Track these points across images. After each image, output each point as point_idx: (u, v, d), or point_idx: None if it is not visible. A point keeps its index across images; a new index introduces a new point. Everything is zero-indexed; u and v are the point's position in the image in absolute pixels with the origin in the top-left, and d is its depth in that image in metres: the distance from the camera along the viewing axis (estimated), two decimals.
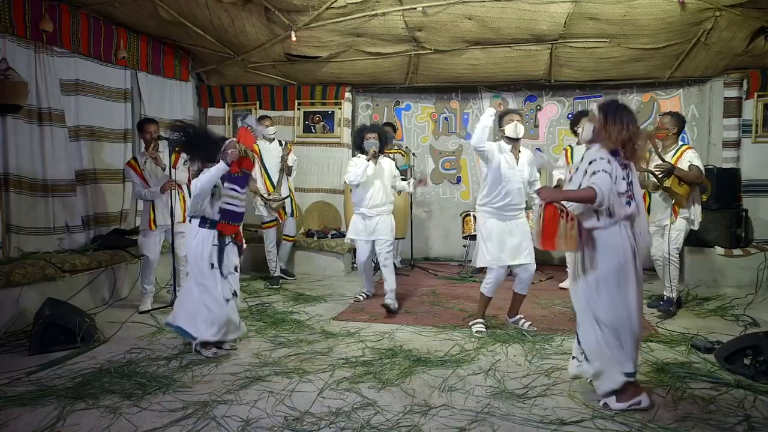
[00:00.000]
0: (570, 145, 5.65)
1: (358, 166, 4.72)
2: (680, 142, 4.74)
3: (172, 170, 4.66)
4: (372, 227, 4.80)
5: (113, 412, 2.78)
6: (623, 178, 2.78)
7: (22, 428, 2.62)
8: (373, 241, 4.84)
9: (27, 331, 3.92)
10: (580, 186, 2.80)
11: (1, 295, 4.00)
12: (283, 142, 6.08)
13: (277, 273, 5.99)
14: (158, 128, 4.81)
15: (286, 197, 5.96)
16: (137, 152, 4.92)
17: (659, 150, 4.53)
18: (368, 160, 4.72)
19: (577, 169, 2.88)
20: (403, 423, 2.66)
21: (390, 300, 4.68)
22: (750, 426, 2.59)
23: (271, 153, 5.96)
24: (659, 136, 4.62)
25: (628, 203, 2.79)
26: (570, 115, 6.83)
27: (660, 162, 4.46)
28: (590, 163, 2.78)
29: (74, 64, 5.12)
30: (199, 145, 3.55)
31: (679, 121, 4.73)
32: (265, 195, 5.83)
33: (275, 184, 5.94)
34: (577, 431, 2.58)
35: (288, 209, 6.01)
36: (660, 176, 4.46)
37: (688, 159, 4.51)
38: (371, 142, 4.78)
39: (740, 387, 2.99)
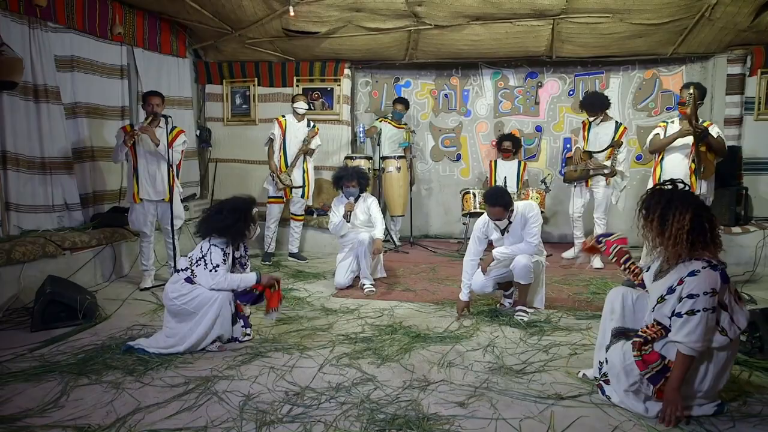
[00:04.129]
0: (588, 119, 5.64)
1: (336, 222, 4.82)
2: (700, 119, 4.72)
3: (169, 150, 4.62)
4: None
5: (116, 388, 2.81)
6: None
7: (26, 403, 2.65)
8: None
9: (29, 308, 3.94)
10: (673, 310, 2.38)
11: (2, 273, 4.01)
12: (312, 124, 6.01)
13: (272, 249, 6.03)
14: (162, 101, 4.75)
15: (298, 186, 5.91)
16: (139, 122, 4.88)
17: (695, 115, 4.51)
18: (346, 218, 4.79)
19: (671, 290, 2.40)
20: (402, 398, 2.69)
21: (368, 287, 4.71)
22: (745, 401, 2.62)
23: (295, 131, 5.90)
24: (683, 112, 4.62)
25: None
26: (571, 92, 6.79)
27: (696, 122, 4.48)
28: (691, 297, 2.33)
29: (69, 40, 5.05)
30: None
31: (703, 92, 4.78)
32: (277, 173, 5.84)
33: (289, 163, 5.88)
34: (574, 406, 2.61)
35: (300, 191, 5.97)
36: (698, 138, 4.46)
37: (717, 131, 4.61)
38: (350, 191, 4.82)
39: (736, 363, 3.01)
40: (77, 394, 2.75)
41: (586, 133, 5.66)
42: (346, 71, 6.90)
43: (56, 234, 4.63)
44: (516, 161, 6.45)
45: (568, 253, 5.97)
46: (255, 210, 3.56)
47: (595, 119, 5.55)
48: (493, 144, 7.03)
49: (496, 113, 7.11)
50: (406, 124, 6.86)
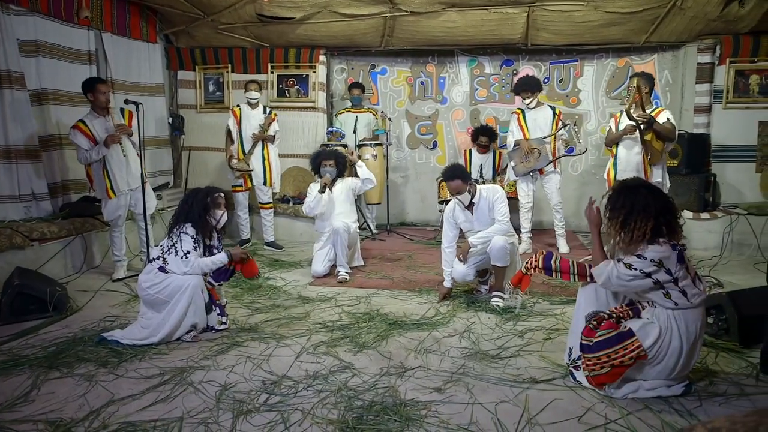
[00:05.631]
0: (520, 109, 5.70)
1: (312, 197, 4.76)
2: (654, 105, 4.80)
3: (138, 135, 4.52)
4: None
5: (89, 380, 2.77)
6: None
7: None
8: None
9: None
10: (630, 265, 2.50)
11: None
12: (268, 110, 5.99)
13: (246, 236, 6.13)
14: (109, 88, 4.61)
15: (251, 170, 5.88)
16: (85, 115, 4.59)
17: (642, 105, 4.59)
18: (321, 192, 4.73)
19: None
20: (380, 384, 2.71)
21: (342, 274, 4.70)
22: (711, 381, 2.71)
23: (251, 119, 5.90)
24: (636, 98, 4.66)
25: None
26: (546, 80, 6.83)
27: (642, 112, 4.55)
28: (639, 257, 2.47)
29: (33, 23, 4.87)
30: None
31: (650, 80, 4.84)
32: (235, 161, 5.84)
33: (246, 151, 5.88)
34: (548, 389, 2.66)
35: (260, 178, 5.93)
36: (643, 128, 4.52)
37: (667, 116, 4.68)
38: (327, 170, 4.81)
39: (703, 345, 3.11)
40: (48, 388, 2.70)
41: (523, 122, 5.59)
42: (322, 58, 6.82)
43: (24, 224, 4.50)
44: (491, 151, 6.44)
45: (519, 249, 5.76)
46: (218, 195, 3.51)
47: (529, 102, 5.49)
48: (469, 131, 7.06)
49: (472, 101, 7.13)
50: (382, 112, 6.82)
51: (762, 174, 5.92)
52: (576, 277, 2.86)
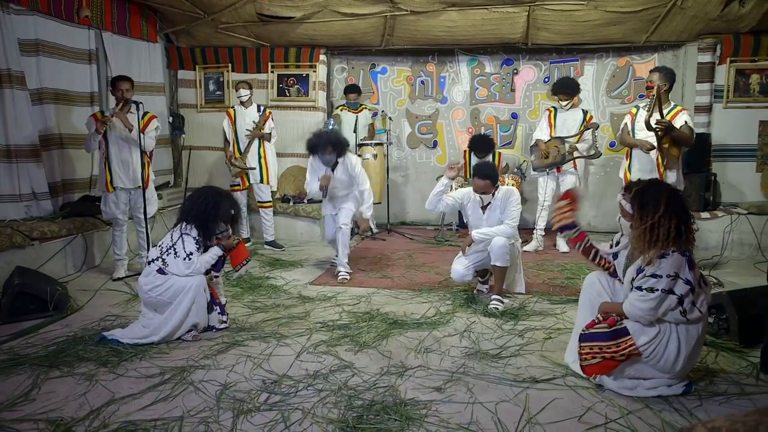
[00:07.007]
0: (554, 107, 5.73)
1: (312, 190, 4.79)
2: (672, 102, 4.66)
3: (141, 135, 4.53)
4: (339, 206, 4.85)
5: (89, 379, 2.77)
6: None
7: None
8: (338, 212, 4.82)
9: None
10: (632, 279, 2.54)
11: None
12: (262, 108, 5.98)
13: (246, 235, 6.11)
14: (132, 86, 4.62)
15: (251, 168, 5.87)
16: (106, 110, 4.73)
17: (660, 107, 4.42)
18: (322, 192, 4.71)
19: (640, 271, 2.51)
20: (380, 384, 2.71)
21: (342, 274, 4.67)
22: (711, 381, 2.71)
23: (245, 118, 5.90)
24: (649, 96, 4.57)
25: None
26: (546, 79, 6.83)
27: (659, 118, 4.33)
28: (654, 276, 2.45)
29: (33, 22, 4.86)
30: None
31: (669, 76, 4.55)
32: (232, 160, 5.85)
33: (242, 150, 5.87)
34: (549, 389, 2.66)
35: (257, 176, 5.91)
36: (660, 135, 4.39)
37: (685, 119, 4.46)
38: (327, 158, 4.63)
39: (704, 344, 3.11)
40: (49, 387, 2.70)
41: (552, 120, 5.65)
42: (322, 57, 6.81)
43: (24, 224, 4.50)
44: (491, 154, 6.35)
45: (528, 247, 5.70)
46: (230, 208, 3.50)
47: (566, 103, 5.57)
48: (469, 131, 7.06)
49: (472, 100, 7.13)
50: (382, 111, 6.80)
51: (762, 173, 5.93)
52: (582, 254, 2.93)
